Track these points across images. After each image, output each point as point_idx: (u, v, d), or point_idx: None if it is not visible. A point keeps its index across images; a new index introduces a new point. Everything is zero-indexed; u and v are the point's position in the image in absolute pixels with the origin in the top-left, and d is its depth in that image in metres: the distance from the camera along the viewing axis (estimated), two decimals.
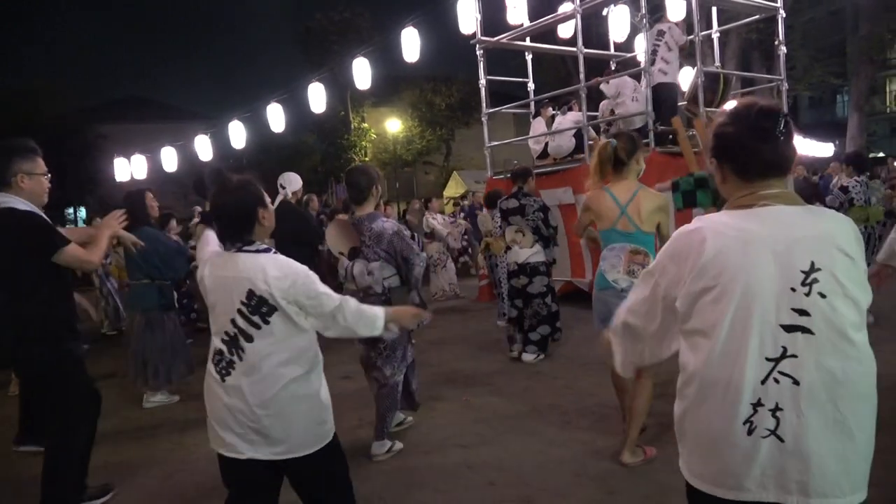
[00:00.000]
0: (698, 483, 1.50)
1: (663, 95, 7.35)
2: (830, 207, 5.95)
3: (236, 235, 2.18)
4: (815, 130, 21.85)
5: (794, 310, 1.37)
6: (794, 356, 1.36)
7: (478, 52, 9.27)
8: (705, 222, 1.49)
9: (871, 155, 18.76)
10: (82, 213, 28.41)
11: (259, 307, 2.09)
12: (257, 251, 2.17)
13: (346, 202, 7.96)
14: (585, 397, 4.51)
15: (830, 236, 1.40)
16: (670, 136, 7.19)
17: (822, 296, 1.36)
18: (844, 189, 6.20)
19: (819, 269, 1.37)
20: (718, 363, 1.42)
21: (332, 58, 19.25)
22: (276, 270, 2.11)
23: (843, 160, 6.49)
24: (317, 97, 9.30)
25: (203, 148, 10.75)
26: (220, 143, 10.82)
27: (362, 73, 8.75)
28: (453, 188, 23.29)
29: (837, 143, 19.68)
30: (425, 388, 5.17)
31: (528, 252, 5.59)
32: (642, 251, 3.38)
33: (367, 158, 24.88)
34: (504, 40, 9.46)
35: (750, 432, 1.39)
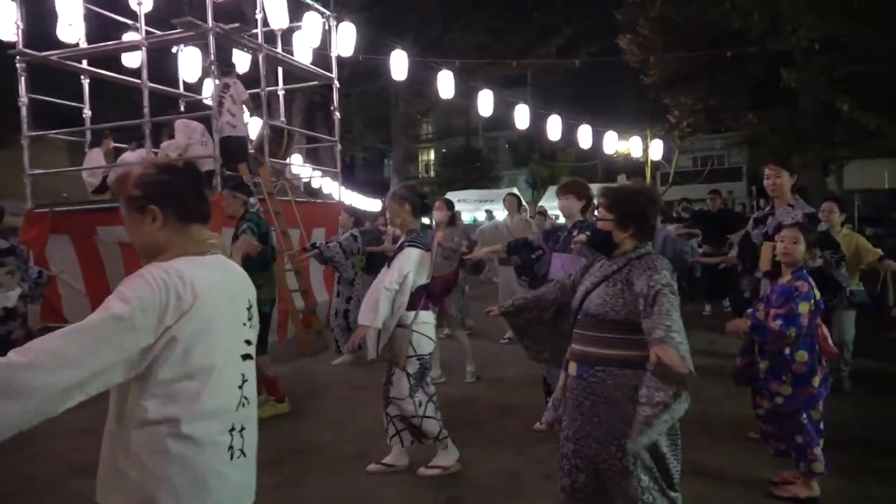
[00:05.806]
0: None
1: (232, 146, 7.59)
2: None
3: None
4: (367, 187, 25.27)
5: (245, 341, 1.64)
6: (248, 381, 1.63)
7: (19, 66, 8.06)
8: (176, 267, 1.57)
9: None
10: None
11: None
12: None
13: None
14: None
15: (248, 280, 1.73)
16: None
17: (254, 328, 1.70)
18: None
19: (251, 307, 1.70)
20: (207, 400, 1.49)
21: None
22: None
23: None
24: None
25: None
26: None
27: None
28: None
29: (383, 199, 23.08)
30: None
31: (15, 294, 5.44)
32: None
33: None
34: (54, 58, 8.43)
35: (232, 457, 1.55)
